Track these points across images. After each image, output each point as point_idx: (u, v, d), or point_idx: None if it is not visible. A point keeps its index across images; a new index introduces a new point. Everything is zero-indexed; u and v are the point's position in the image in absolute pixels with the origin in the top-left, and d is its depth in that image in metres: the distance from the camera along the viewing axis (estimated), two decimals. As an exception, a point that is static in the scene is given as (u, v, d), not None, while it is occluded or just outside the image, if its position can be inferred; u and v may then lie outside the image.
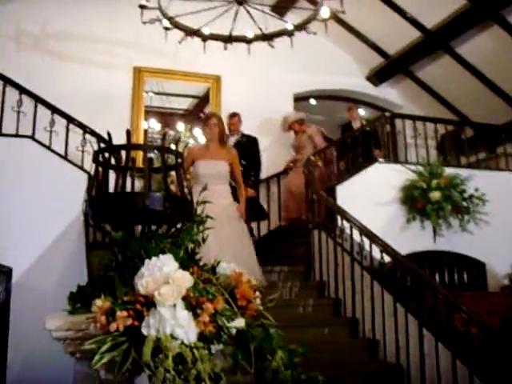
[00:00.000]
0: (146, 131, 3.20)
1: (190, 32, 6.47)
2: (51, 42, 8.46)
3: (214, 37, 6.56)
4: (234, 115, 8.06)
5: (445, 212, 7.38)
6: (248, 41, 6.56)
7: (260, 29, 6.41)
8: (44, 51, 8.38)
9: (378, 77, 10.26)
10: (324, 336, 5.52)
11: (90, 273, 5.46)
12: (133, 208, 2.21)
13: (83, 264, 6.00)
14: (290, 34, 6.38)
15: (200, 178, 5.32)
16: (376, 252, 5.65)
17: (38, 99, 6.84)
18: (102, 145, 2.49)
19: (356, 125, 8.99)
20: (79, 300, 2.26)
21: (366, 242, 5.77)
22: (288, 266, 6.69)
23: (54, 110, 6.85)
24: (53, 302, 4.15)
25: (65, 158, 6.70)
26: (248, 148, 7.58)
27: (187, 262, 2.17)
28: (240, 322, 2.10)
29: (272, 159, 8.66)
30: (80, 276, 5.68)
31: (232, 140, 7.68)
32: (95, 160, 2.36)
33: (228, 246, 4.95)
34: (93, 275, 5.09)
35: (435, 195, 7.35)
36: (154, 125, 9.73)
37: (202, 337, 1.95)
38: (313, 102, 11.00)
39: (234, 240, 5.31)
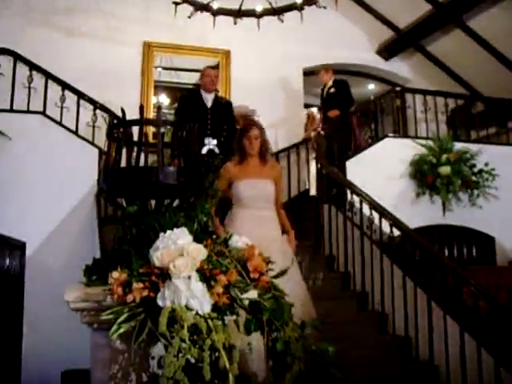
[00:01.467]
0: (159, 107, 3.22)
1: (200, 6, 6.43)
2: (60, 17, 8.44)
3: (224, 11, 6.52)
4: (214, 67, 7.14)
5: (454, 186, 7.38)
6: (257, 15, 6.51)
7: (270, 3, 6.37)
8: (53, 27, 8.36)
9: (388, 51, 10.18)
10: (333, 309, 5.57)
11: (103, 247, 5.53)
12: (147, 182, 2.25)
13: (95, 238, 6.06)
14: (299, 8, 6.33)
15: (242, 201, 4.34)
16: (386, 226, 5.69)
17: (48, 75, 6.86)
18: (115, 121, 2.52)
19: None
20: (95, 272, 2.31)
21: (376, 216, 5.81)
22: (297, 239, 6.72)
23: (65, 85, 6.88)
24: (65, 275, 4.21)
25: (76, 133, 6.75)
26: (226, 112, 6.37)
27: (201, 235, 2.21)
28: (253, 294, 2.14)
29: (281, 136, 8.66)
30: (93, 250, 5.77)
31: (209, 98, 6.32)
32: (109, 135, 2.39)
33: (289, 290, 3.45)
34: (105, 249, 5.18)
35: (445, 170, 7.35)
36: (164, 100, 9.74)
37: (216, 308, 2.00)
38: (322, 76, 10.95)
39: (293, 283, 4.01)
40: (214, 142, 6.05)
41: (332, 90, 8.47)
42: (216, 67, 9.32)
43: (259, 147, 4.48)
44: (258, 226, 3.99)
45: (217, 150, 5.93)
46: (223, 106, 6.41)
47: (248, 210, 4.19)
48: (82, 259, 2.62)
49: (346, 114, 8.16)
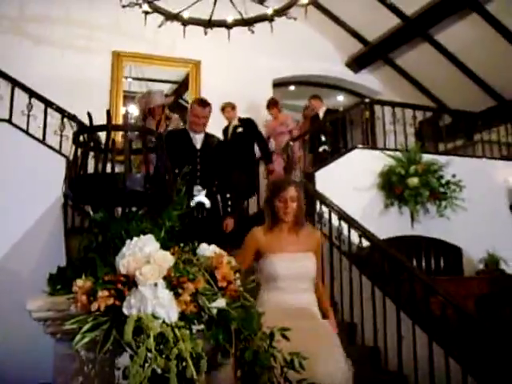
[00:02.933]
0: (125, 115, 3.18)
1: (170, 16, 6.42)
2: (29, 25, 8.36)
3: (194, 21, 6.52)
4: (208, 104, 5.28)
5: (422, 198, 7.47)
6: (228, 26, 6.53)
7: (240, 14, 6.38)
8: (22, 34, 8.27)
9: (357, 63, 10.31)
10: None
11: (69, 257, 5.44)
12: (113, 189, 2.21)
13: (62, 249, 5.98)
14: (270, 19, 6.36)
15: (277, 281, 3.38)
16: (354, 237, 5.71)
17: (15, 83, 6.76)
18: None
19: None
20: (59, 281, 2.26)
21: (345, 226, 5.83)
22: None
23: (32, 93, 6.79)
24: (31, 286, 4.12)
25: (42, 142, 6.65)
26: (217, 155, 5.28)
27: (168, 242, 2.18)
28: (221, 303, 2.11)
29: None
30: (59, 261, 5.62)
31: (198, 139, 5.20)
32: (75, 141, 2.35)
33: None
34: (72, 259, 5.08)
35: (413, 181, 7.43)
36: (133, 110, 9.68)
37: (183, 316, 1.96)
38: (292, 88, 11.02)
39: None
40: (204, 192, 5.02)
41: (239, 129, 8.22)
42: (186, 78, 9.33)
43: (296, 211, 3.51)
44: (294, 319, 2.99)
45: (207, 203, 4.99)
46: (214, 147, 5.29)
47: (283, 294, 3.33)
48: (48, 269, 2.56)
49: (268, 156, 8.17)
